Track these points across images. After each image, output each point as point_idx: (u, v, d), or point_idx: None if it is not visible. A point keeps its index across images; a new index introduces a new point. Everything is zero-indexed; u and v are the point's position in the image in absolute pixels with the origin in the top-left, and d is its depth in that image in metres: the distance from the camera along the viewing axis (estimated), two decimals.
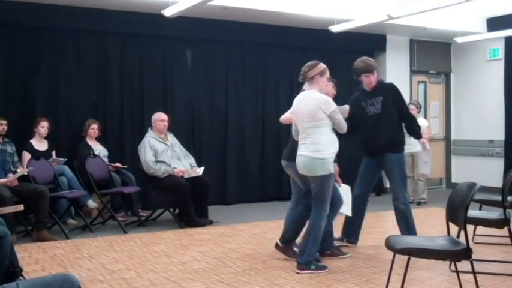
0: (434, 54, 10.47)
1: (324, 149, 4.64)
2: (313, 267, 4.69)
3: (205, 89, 8.75)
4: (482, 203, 5.82)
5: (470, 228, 5.11)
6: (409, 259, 3.54)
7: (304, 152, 4.69)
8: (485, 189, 4.74)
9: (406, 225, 5.32)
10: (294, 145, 5.05)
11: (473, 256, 3.63)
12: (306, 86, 4.95)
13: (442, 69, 10.68)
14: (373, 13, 7.98)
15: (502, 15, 9.49)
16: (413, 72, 10.15)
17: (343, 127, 4.78)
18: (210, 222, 7.02)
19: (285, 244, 5.21)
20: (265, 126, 9.19)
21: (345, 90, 9.81)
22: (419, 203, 8.60)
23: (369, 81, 5.35)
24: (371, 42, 9.85)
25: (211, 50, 8.79)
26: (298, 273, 4.67)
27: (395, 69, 9.98)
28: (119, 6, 7.57)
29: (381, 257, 5.17)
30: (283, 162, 5.34)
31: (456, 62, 10.61)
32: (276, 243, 5.28)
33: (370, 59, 5.44)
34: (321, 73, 4.78)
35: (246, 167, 9.00)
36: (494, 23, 9.62)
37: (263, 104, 9.19)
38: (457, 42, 9.58)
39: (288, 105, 9.15)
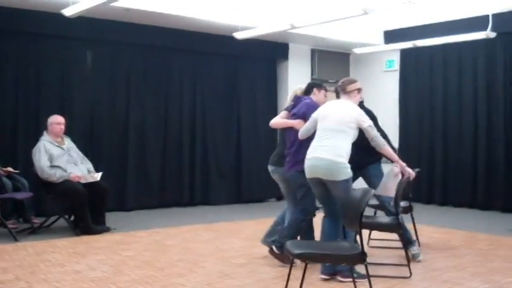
0: (334, 63, 10.78)
1: (345, 155, 4.60)
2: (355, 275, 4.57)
3: (105, 92, 8.51)
4: (377, 208, 6.02)
5: (365, 232, 5.28)
6: (306, 264, 3.58)
7: (325, 155, 4.57)
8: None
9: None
10: (282, 151, 5.13)
11: (368, 260, 3.72)
12: (341, 96, 4.95)
13: (341, 78, 10.92)
14: (276, 22, 8.08)
15: (398, 28, 9.93)
16: (314, 80, 10.37)
17: (379, 143, 4.72)
18: (108, 229, 6.81)
19: (282, 250, 5.08)
20: (167, 130, 9.07)
21: (249, 96, 9.92)
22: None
23: None
24: (274, 50, 10.00)
25: (113, 52, 8.57)
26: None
27: (297, 77, 10.15)
28: (15, 3, 7.21)
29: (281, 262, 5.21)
30: (270, 168, 5.39)
31: (354, 71, 10.96)
32: (271, 249, 5.17)
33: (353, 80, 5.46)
34: (359, 90, 4.91)
35: (147, 172, 8.83)
36: (391, 36, 10.05)
37: (165, 108, 9.07)
38: (356, 53, 9.91)
39: (191, 109, 9.24)
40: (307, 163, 4.69)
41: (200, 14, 8.02)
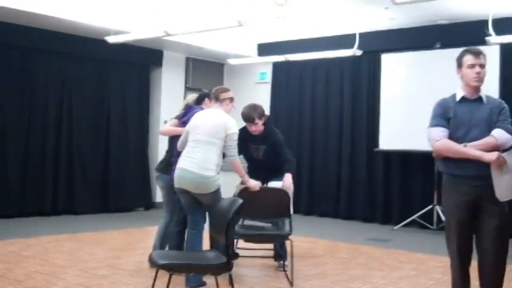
0: (208, 73, 10.80)
1: (214, 168, 4.59)
2: None
3: None
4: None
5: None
6: (170, 274, 3.50)
7: (192, 168, 4.53)
8: None
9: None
10: (169, 158, 5.11)
11: (235, 269, 3.72)
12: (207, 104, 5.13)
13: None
14: (150, 28, 7.95)
15: (271, 42, 10.16)
16: (187, 89, 10.32)
17: (233, 155, 4.69)
18: None
19: None
20: (30, 134, 8.54)
21: (119, 102, 9.66)
22: None
23: (251, 129, 5.34)
24: (148, 56, 9.84)
25: None
26: None
27: (171, 85, 10.09)
28: None
29: (146, 273, 5.07)
30: (156, 174, 5.39)
31: (228, 82, 11.04)
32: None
33: (258, 106, 5.38)
34: (231, 99, 4.93)
35: (6, 178, 8.22)
36: (264, 49, 10.26)
37: (29, 113, 8.53)
38: (230, 63, 10.01)
39: (57, 113, 8.79)
40: (175, 172, 4.67)
41: (69, 15, 7.65)
